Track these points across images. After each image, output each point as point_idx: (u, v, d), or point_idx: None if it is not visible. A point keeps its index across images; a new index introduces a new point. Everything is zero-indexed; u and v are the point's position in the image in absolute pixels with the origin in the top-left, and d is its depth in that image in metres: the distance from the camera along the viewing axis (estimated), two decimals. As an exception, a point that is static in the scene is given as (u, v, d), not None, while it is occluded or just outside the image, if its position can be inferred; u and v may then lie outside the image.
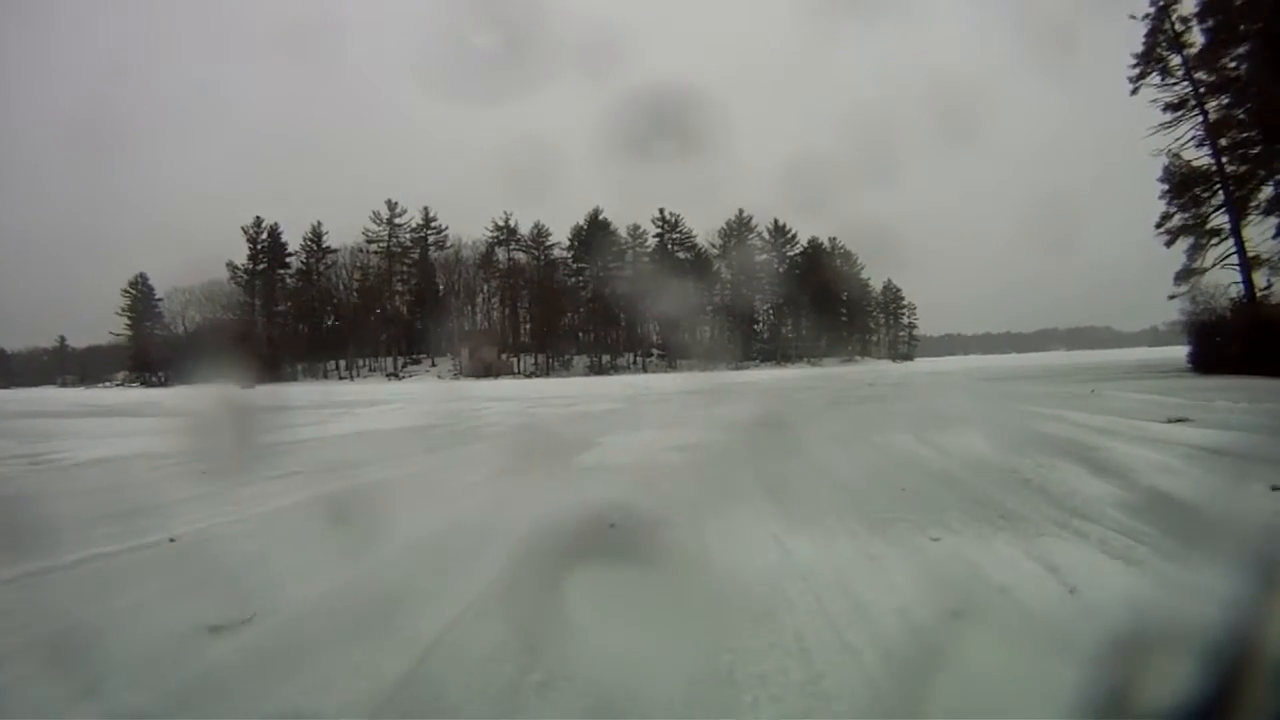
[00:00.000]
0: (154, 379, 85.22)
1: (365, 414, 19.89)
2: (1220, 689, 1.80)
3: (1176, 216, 36.91)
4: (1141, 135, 36.48)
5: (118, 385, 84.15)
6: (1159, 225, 37.04)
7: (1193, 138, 36.26)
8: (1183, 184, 36.95)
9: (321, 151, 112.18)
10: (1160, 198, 37.27)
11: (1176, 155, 36.92)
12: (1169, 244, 36.71)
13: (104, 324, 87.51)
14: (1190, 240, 36.41)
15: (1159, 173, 36.19)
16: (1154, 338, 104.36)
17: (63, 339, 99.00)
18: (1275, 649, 1.86)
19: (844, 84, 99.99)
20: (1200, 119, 36.10)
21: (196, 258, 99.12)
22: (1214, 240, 35.94)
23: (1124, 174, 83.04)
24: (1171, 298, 37.31)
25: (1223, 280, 35.12)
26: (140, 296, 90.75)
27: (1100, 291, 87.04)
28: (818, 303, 71.79)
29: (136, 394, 55.09)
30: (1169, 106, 36.76)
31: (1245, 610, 2.22)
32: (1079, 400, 15.98)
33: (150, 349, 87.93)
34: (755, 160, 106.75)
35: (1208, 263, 35.96)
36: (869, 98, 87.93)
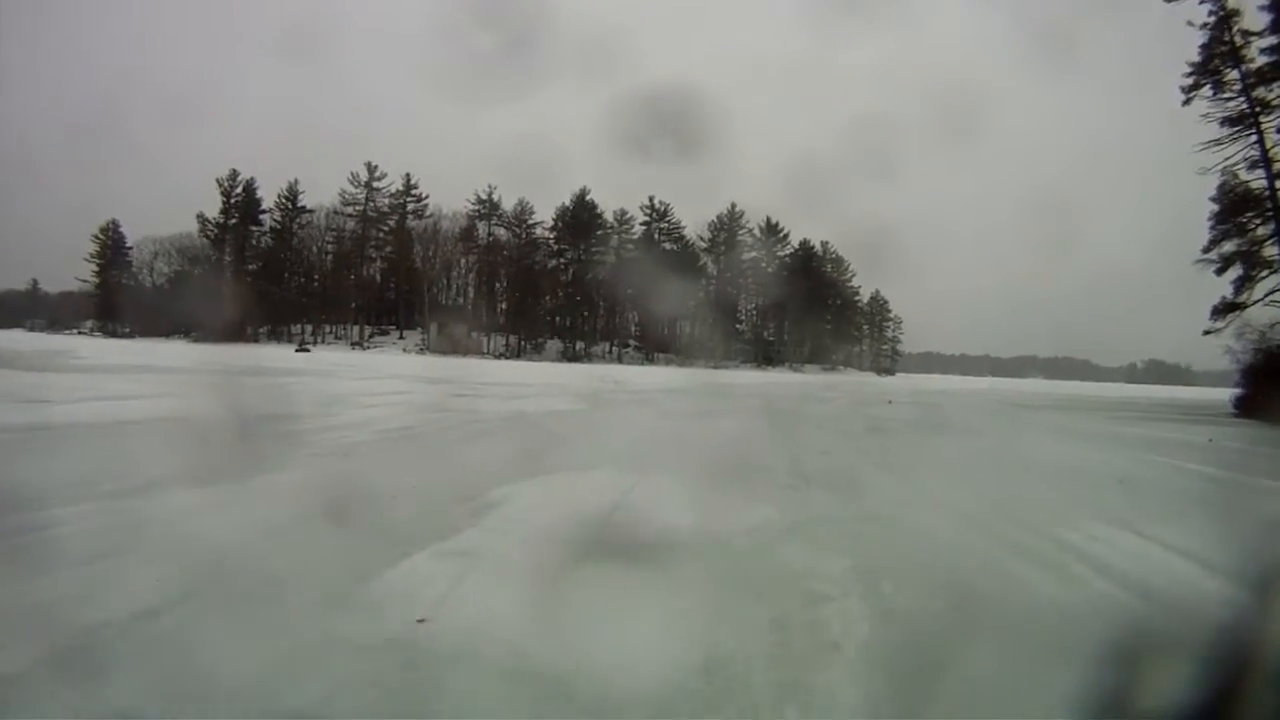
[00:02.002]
0: (121, 330, 79.05)
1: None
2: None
3: (1227, 242, 32.00)
4: (1188, 151, 31.33)
5: (79, 334, 77.26)
6: (1206, 250, 32.13)
7: (1245, 159, 31.33)
8: (1234, 207, 31.94)
9: (312, 142, 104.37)
10: (1209, 219, 32.54)
11: (1234, 174, 31.88)
12: (1219, 271, 31.92)
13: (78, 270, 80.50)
14: (1238, 271, 31.79)
15: (1172, 196, 31.28)
16: (1131, 374, 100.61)
17: (35, 282, 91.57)
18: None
19: (839, 88, 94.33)
20: (1255, 139, 31.09)
21: (168, 206, 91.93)
22: (1265, 273, 31.21)
23: (1116, 208, 78.52)
24: (1207, 333, 32.68)
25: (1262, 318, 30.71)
26: (110, 244, 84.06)
27: (1081, 324, 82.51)
28: (805, 307, 65.99)
29: (75, 343, 48.05)
30: (1226, 121, 31.62)
31: None
32: (1216, 455, 10.45)
33: (117, 298, 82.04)
34: (751, 163, 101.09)
35: (1255, 295, 31.28)
36: (863, 103, 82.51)
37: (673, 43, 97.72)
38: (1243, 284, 31.09)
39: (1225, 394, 37.76)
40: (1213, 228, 31.89)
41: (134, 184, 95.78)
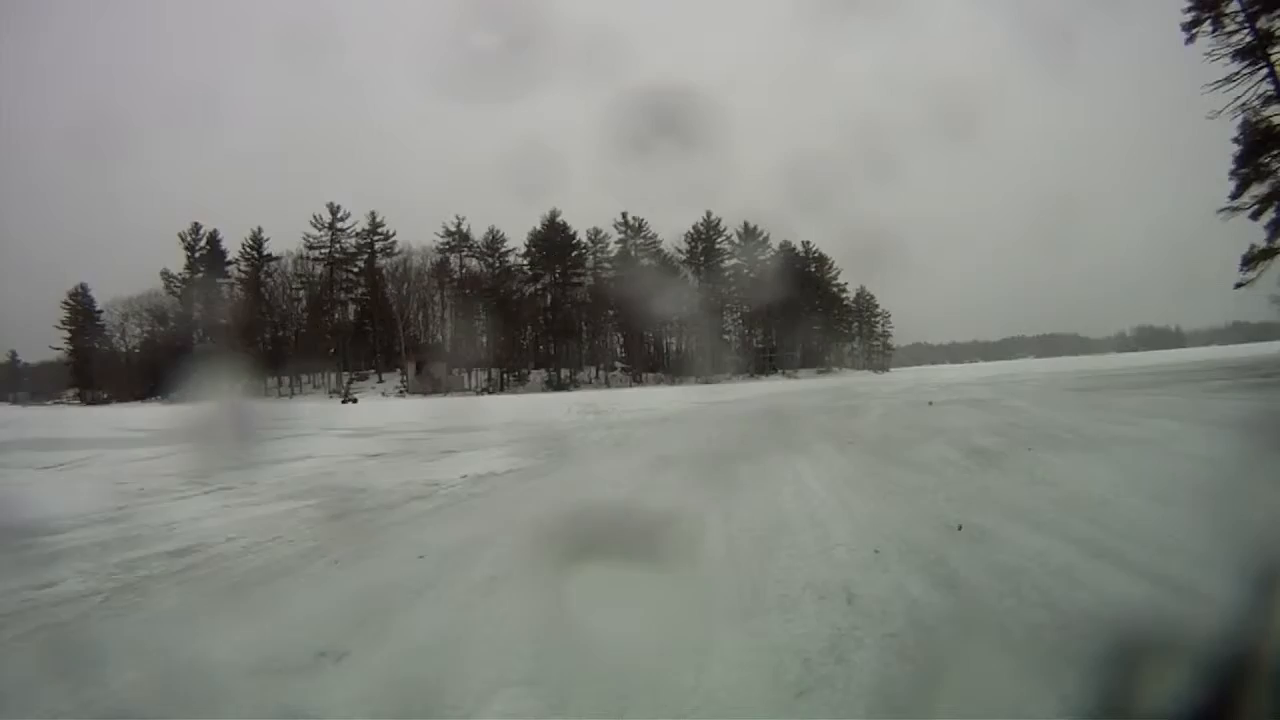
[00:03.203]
0: (99, 397, 74.76)
1: None
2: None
3: (1256, 185, 28.94)
4: (1195, 92, 28.16)
5: (57, 403, 72.71)
6: (1235, 195, 29.16)
7: (1259, 95, 28.18)
8: (1256, 147, 28.78)
9: (300, 156, 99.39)
10: (1233, 162, 29.56)
11: (1255, 110, 28.62)
12: (1255, 215, 28.88)
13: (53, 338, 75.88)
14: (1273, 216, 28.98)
15: (1161, 171, 28.55)
16: (1122, 343, 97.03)
17: (14, 354, 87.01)
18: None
19: (823, 92, 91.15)
20: (1267, 73, 27.89)
21: (135, 265, 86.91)
22: (1295, 216, 28.30)
23: (1097, 184, 75.38)
24: (1239, 285, 29.80)
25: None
26: (80, 309, 79.82)
27: (1067, 300, 79.22)
28: (792, 310, 61.85)
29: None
30: (1237, 55, 28.35)
31: None
32: None
33: (91, 364, 77.92)
34: (746, 163, 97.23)
35: (1290, 240, 28.46)
36: (853, 101, 79.52)
37: (668, 45, 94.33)
38: (1277, 228, 28.08)
39: (1254, 350, 34.19)
40: (1234, 171, 28.90)
41: (103, 239, 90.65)
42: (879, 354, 74.50)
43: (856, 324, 73.66)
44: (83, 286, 76.32)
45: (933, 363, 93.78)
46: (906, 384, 32.26)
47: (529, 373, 64.33)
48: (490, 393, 60.63)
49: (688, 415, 17.76)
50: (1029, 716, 2.24)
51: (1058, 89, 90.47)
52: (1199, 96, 27.38)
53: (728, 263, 66.94)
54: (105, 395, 74.84)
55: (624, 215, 66.57)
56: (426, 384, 61.34)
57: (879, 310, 73.92)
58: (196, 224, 70.48)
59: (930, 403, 16.58)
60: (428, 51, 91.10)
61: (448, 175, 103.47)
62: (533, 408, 25.75)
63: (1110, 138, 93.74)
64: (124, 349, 79.52)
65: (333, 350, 71.55)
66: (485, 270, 68.46)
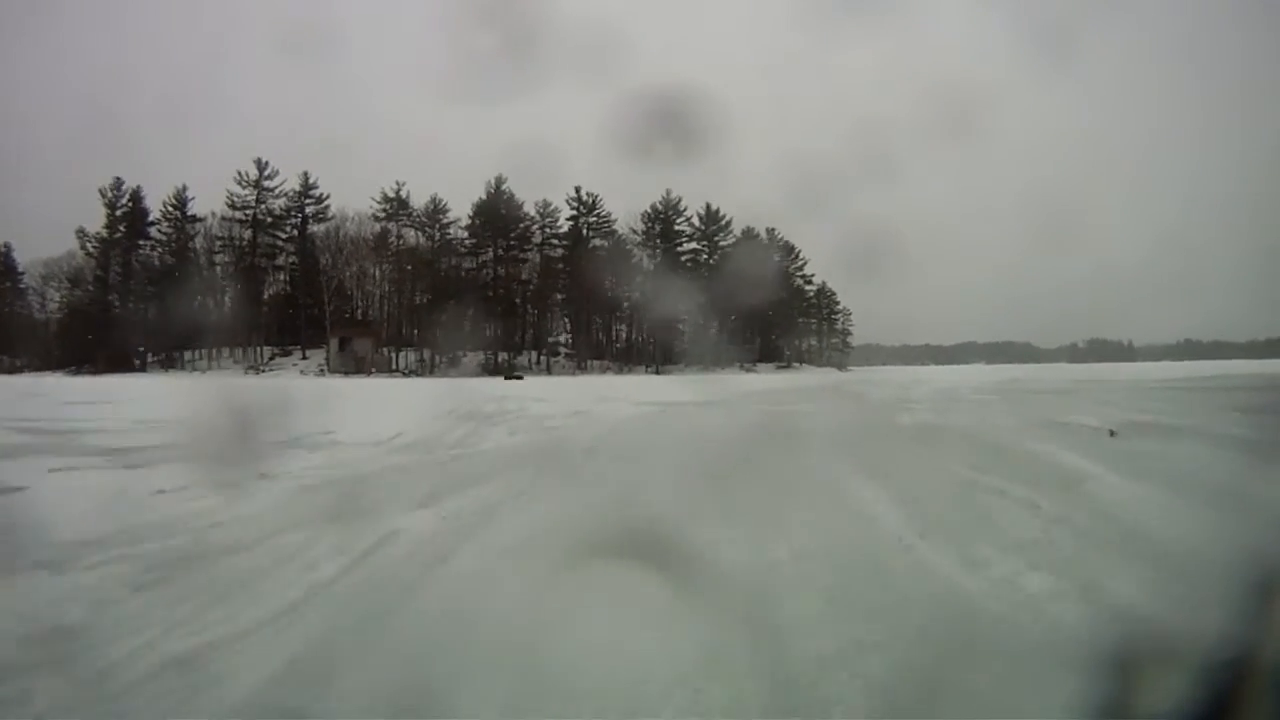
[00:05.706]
0: (15, 365, 64.41)
1: None
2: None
3: None
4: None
5: None
6: None
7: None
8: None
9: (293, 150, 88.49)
10: None
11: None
12: None
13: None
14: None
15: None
16: (1073, 354, 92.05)
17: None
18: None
19: (795, 97, 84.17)
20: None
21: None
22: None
23: (1059, 199, 69.62)
24: None
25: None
26: (1, 269, 69.24)
27: (1018, 309, 73.92)
28: (752, 300, 54.30)
29: None
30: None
31: None
32: None
33: (11, 330, 67.45)
34: (739, 162, 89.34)
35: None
36: (837, 104, 72.73)
37: (666, 44, 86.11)
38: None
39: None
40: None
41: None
42: (838, 352, 67.78)
43: (817, 320, 66.68)
44: (6, 245, 65.70)
45: (883, 363, 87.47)
46: (920, 385, 24.44)
47: (464, 355, 55.65)
48: (421, 375, 52.14)
49: (647, 439, 9.88)
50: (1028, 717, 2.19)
51: (1043, 96, 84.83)
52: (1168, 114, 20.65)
53: (686, 246, 59.28)
54: (20, 364, 65.01)
55: (577, 190, 58.34)
56: (349, 363, 52.47)
57: (839, 307, 67.12)
58: (119, 179, 60.04)
59: (1112, 432, 8.90)
60: (416, 45, 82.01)
61: (441, 173, 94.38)
62: (410, 401, 17.61)
63: (1077, 154, 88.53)
64: (43, 315, 69.60)
65: (261, 322, 62.18)
66: (424, 242, 59.61)
